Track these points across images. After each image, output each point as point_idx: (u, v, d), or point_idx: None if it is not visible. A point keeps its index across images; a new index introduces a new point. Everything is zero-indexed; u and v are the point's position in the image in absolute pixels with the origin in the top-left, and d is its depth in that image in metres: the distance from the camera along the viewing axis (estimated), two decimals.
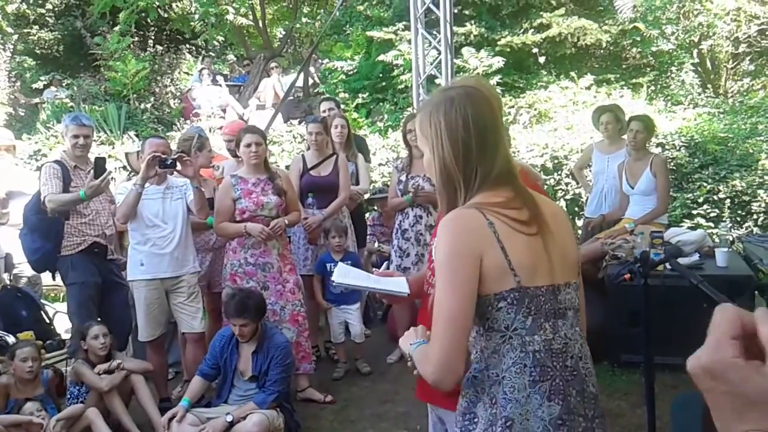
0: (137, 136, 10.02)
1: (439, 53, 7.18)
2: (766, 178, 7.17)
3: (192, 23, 14.11)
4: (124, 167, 7.15)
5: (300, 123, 10.15)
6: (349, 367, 4.92)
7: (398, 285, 2.00)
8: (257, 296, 3.97)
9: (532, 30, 10.56)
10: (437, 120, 1.63)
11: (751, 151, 7.72)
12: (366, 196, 5.72)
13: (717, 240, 5.33)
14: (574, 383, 1.58)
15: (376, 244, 6.33)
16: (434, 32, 7.26)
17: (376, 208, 6.64)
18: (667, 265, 2.92)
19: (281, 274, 4.40)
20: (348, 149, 5.48)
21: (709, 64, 11.48)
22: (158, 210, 4.25)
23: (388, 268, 2.32)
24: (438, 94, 1.72)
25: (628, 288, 4.29)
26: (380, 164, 8.42)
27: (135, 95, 11.75)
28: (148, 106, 11.88)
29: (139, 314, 4.24)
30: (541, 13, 10.64)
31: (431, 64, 7.29)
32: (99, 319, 4.20)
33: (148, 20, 13.43)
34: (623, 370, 4.54)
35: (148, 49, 13.12)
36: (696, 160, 7.69)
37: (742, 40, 11.11)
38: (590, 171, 5.96)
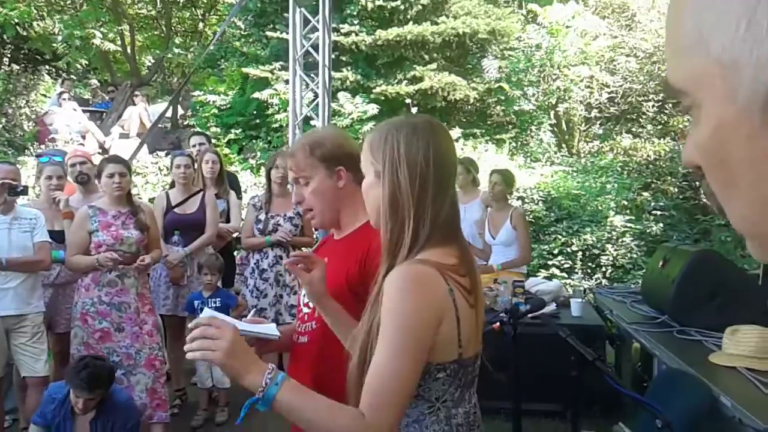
0: None
1: (316, 96, 7.22)
2: (614, 233, 7.75)
3: (54, 44, 13.31)
4: None
5: (167, 155, 9.78)
6: (209, 415, 4.68)
7: (268, 329, 1.93)
8: (108, 364, 3.59)
9: (406, 81, 10.93)
10: (395, 141, 1.47)
11: (600, 208, 8.34)
12: (235, 235, 5.55)
13: (571, 291, 5.65)
14: None
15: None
16: (311, 74, 7.30)
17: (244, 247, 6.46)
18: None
19: (138, 315, 4.12)
20: (220, 185, 5.33)
21: (564, 126, 12.36)
22: (3, 241, 3.89)
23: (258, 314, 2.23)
24: (398, 119, 1.57)
25: (491, 335, 4.42)
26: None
27: None
28: None
29: None
30: (414, 66, 11.05)
31: (308, 105, 7.31)
32: None
33: (5, 37, 12.52)
34: (484, 416, 4.61)
35: (2, 67, 12.19)
36: (552, 213, 8.18)
37: (594, 106, 12.09)
38: None
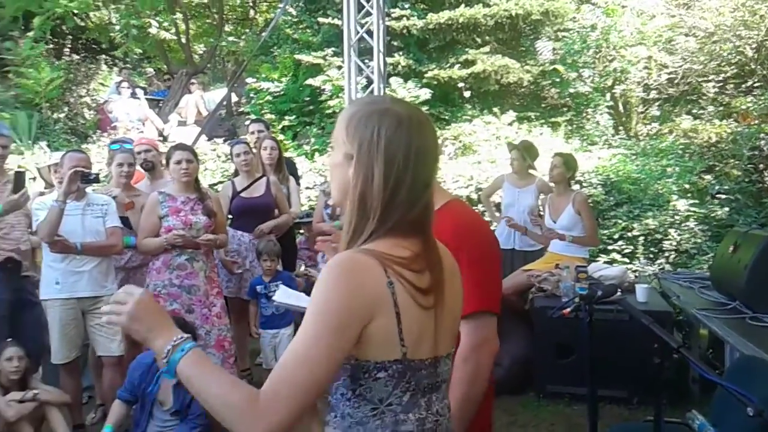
0: (49, 146, 9.53)
1: (369, 82, 7.23)
2: (677, 217, 7.55)
3: (112, 34, 13.63)
4: (34, 178, 6.77)
5: (225, 141, 9.96)
6: None
7: None
8: (191, 326, 3.81)
9: (458, 65, 10.81)
10: (376, 131, 1.36)
11: (661, 191, 8.12)
12: (296, 220, 5.63)
13: (636, 276, 5.55)
14: None
15: (303, 268, 6.23)
16: (365, 60, 7.31)
17: (302, 231, 6.56)
18: None
19: (208, 298, 4.26)
20: (279, 172, 5.40)
21: (621, 108, 12.06)
22: (77, 227, 4.04)
23: None
24: (382, 103, 1.44)
25: (555, 320, 4.39)
26: (307, 188, 8.33)
27: (48, 104, 11.20)
28: (62, 116, 11.33)
29: (53, 335, 3.99)
30: (467, 49, 10.92)
31: (362, 91, 7.33)
32: (10, 339, 3.91)
33: (64, 28, 12.86)
34: (548, 400, 4.62)
35: (63, 57, 12.56)
36: (612, 198, 8.02)
37: (652, 87, 11.76)
38: (500, 198, 6.15)
